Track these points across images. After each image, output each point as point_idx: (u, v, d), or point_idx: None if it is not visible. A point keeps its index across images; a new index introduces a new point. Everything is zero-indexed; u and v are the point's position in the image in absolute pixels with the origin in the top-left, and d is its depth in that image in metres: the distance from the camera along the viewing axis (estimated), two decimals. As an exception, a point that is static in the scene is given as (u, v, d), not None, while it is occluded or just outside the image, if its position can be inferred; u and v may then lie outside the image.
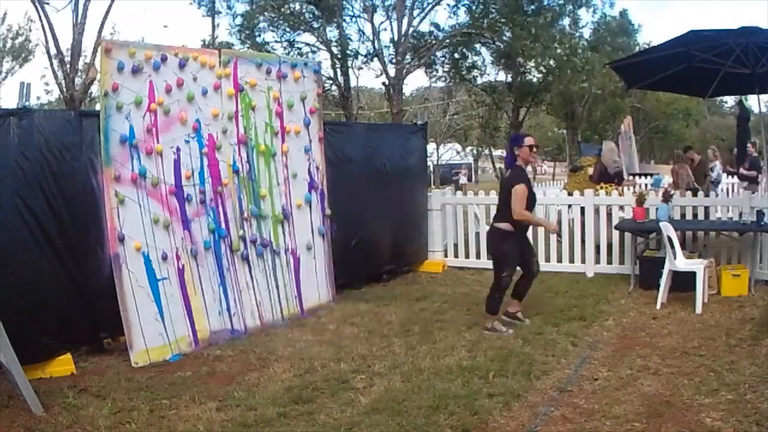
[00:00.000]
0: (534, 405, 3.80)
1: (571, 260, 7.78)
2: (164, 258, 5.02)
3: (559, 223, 7.77)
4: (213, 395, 4.04)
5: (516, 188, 5.13)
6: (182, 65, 5.25)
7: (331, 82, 16.25)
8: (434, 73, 18.81)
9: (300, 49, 16.94)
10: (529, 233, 5.68)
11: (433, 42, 16.72)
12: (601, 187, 8.47)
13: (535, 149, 5.34)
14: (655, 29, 50.11)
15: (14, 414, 3.75)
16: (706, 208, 7.23)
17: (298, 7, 16.14)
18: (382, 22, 16.70)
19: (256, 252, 5.73)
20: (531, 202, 5.26)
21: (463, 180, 28.43)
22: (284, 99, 6.05)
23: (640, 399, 3.84)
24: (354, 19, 16.92)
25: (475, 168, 40.80)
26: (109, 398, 4.00)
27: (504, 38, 16.06)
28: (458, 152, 36.52)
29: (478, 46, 17.75)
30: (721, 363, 4.38)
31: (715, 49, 6.81)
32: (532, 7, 16.19)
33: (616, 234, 7.50)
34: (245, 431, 3.55)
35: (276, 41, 16.96)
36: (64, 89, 14.95)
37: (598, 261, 7.61)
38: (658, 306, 5.98)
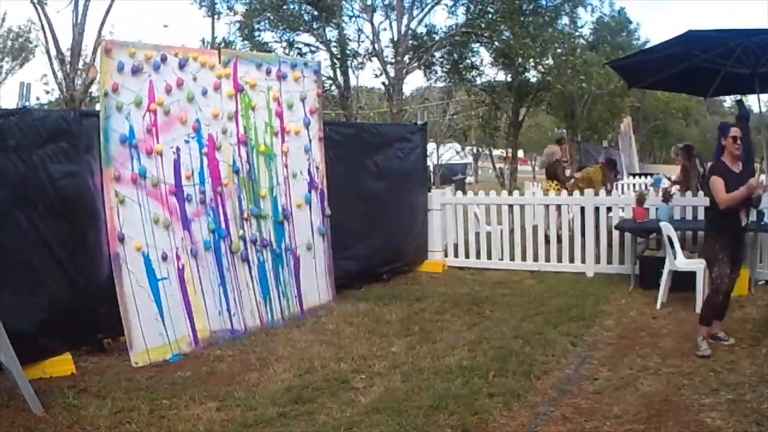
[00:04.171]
0: (534, 405, 3.81)
1: (571, 260, 7.78)
2: (164, 258, 5.02)
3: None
4: (213, 395, 4.04)
5: (712, 179, 4.64)
6: (182, 65, 5.25)
7: (330, 82, 16.23)
8: (433, 74, 18.80)
9: (299, 49, 16.91)
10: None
11: (432, 42, 16.71)
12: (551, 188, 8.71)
13: (738, 141, 4.71)
14: (650, 29, 50.28)
15: (14, 414, 3.75)
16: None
17: (297, 7, 16.13)
18: (381, 22, 16.71)
19: (256, 252, 5.73)
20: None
21: (470, 179, 28.45)
22: (284, 99, 6.05)
23: (640, 399, 3.85)
24: (353, 19, 16.93)
25: (475, 168, 40.77)
26: (109, 398, 4.00)
27: (503, 38, 16.05)
28: (458, 152, 36.50)
29: (476, 45, 17.76)
30: (721, 363, 4.39)
31: (715, 49, 6.80)
32: (530, 6, 16.17)
33: (616, 234, 7.50)
34: (245, 431, 3.55)
35: (275, 41, 16.96)
36: (64, 89, 14.95)
37: (598, 261, 7.61)
38: (658, 306, 5.98)
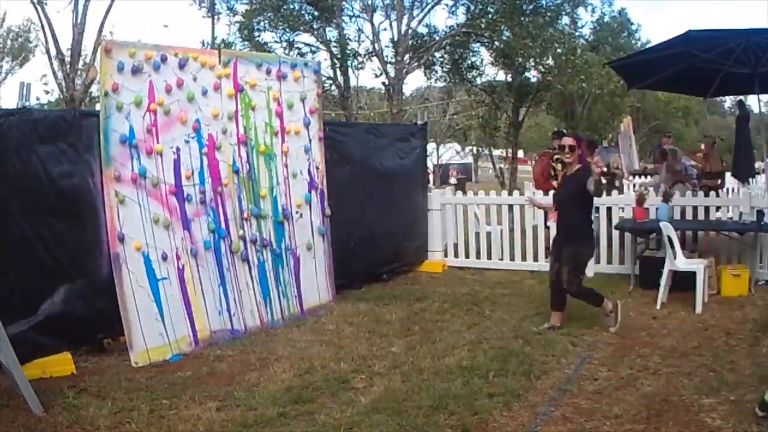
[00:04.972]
0: (534, 405, 3.81)
1: (571, 260, 7.76)
2: (164, 258, 5.01)
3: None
4: (213, 395, 4.04)
5: None
6: (182, 65, 5.25)
7: (330, 82, 16.22)
8: (433, 73, 18.79)
9: (300, 49, 16.91)
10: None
11: (432, 42, 16.70)
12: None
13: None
14: (650, 29, 50.23)
15: (14, 414, 3.75)
16: (706, 208, 7.25)
17: (296, 7, 16.12)
18: (381, 22, 16.70)
19: (256, 252, 5.73)
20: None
21: (452, 180, 28.23)
22: (284, 99, 6.05)
23: (640, 399, 3.85)
24: (353, 19, 16.92)
25: (474, 168, 40.74)
26: (109, 398, 4.00)
27: (503, 38, 16.04)
28: (458, 152, 36.54)
29: (477, 45, 17.75)
30: (721, 363, 4.39)
31: (715, 49, 6.80)
32: (531, 6, 16.17)
33: (616, 234, 7.50)
34: (245, 431, 3.55)
35: (275, 41, 16.95)
36: (64, 89, 14.95)
37: (598, 261, 7.61)
38: (658, 306, 5.98)
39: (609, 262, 7.61)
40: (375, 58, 16.52)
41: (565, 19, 18.07)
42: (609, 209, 7.80)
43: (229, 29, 17.18)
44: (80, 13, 14.27)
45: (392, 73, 16.05)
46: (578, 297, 5.32)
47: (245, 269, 5.64)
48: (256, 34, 16.52)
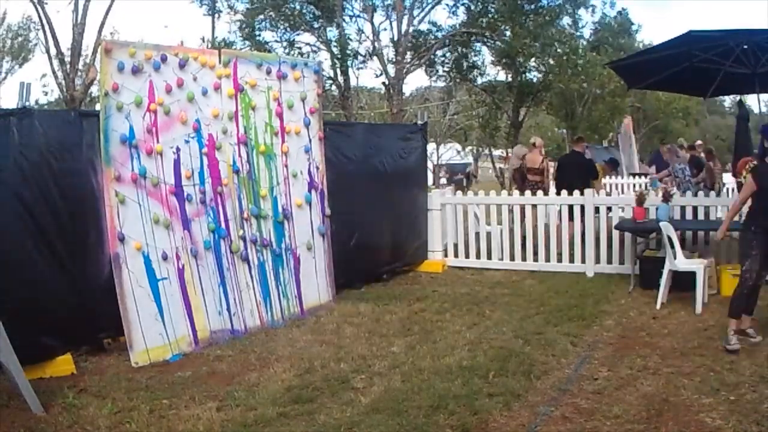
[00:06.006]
0: (534, 405, 3.81)
1: (571, 260, 7.77)
2: (164, 258, 5.02)
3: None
4: (213, 395, 4.04)
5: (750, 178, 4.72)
6: (182, 65, 5.25)
7: (331, 82, 16.21)
8: (435, 72, 18.79)
9: (300, 48, 16.91)
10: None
11: (433, 42, 16.71)
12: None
13: None
14: (651, 29, 50.26)
15: (14, 414, 3.76)
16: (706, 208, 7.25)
17: (297, 6, 16.12)
18: (381, 22, 16.71)
19: (256, 252, 5.73)
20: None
21: (443, 181, 28.21)
22: (284, 99, 6.05)
23: (640, 399, 3.85)
24: (354, 19, 16.92)
25: (474, 168, 40.77)
26: (109, 398, 4.00)
27: (504, 37, 16.04)
28: (458, 152, 36.62)
29: (478, 45, 17.74)
30: (721, 363, 4.39)
31: (715, 49, 6.82)
32: (531, 6, 16.17)
33: (616, 234, 7.50)
34: (245, 431, 3.55)
35: (276, 41, 16.95)
36: (64, 89, 14.95)
37: (598, 261, 7.61)
38: (658, 306, 5.98)
39: (609, 262, 7.61)
40: (375, 58, 16.52)
41: (566, 19, 18.08)
42: (609, 209, 7.81)
43: (230, 27, 17.17)
44: (80, 13, 14.27)
45: (392, 73, 16.05)
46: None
47: (245, 269, 5.64)
48: (257, 33, 16.52)
